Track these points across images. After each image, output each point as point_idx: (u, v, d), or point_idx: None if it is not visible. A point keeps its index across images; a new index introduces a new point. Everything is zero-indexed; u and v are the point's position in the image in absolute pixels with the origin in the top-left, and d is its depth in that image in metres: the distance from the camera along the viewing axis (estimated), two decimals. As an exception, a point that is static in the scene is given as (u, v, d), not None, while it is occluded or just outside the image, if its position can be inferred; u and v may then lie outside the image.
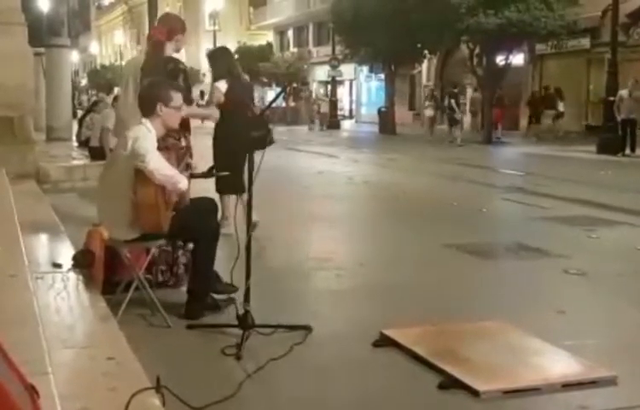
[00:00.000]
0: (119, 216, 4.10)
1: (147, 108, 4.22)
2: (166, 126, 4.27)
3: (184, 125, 4.77)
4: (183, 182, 4.11)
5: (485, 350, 3.78)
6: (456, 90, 25.06)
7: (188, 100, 4.89)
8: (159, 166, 3.97)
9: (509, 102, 26.27)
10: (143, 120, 4.19)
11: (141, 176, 3.97)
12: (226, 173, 4.93)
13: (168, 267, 4.80)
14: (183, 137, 4.68)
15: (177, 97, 4.30)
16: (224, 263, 4.45)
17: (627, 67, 20.13)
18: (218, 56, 6.98)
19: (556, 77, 27.28)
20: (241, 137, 5.59)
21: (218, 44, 43.95)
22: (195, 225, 4.32)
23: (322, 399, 3.28)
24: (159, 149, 4.12)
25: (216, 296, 4.46)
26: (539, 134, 24.53)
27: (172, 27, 5.25)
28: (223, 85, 6.46)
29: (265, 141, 4.77)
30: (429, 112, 27.47)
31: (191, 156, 4.76)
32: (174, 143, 4.59)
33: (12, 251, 4.29)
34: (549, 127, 24.74)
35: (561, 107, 25.25)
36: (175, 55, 5.21)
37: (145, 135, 4.07)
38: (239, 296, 3.97)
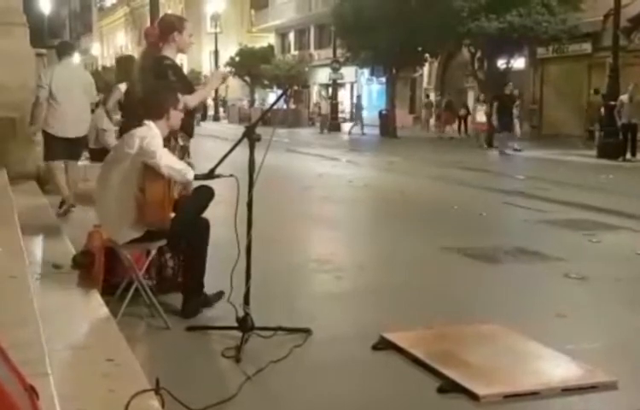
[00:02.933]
0: (123, 216, 4.11)
1: (157, 111, 4.26)
2: (171, 127, 4.35)
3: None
4: (189, 173, 4.22)
5: (485, 354, 3.77)
6: (508, 93, 21.43)
7: (189, 90, 4.86)
8: (169, 161, 4.10)
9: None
10: (147, 122, 4.21)
11: (150, 172, 4.02)
12: (230, 175, 4.88)
13: (157, 272, 4.76)
14: (174, 139, 4.65)
15: (181, 98, 4.40)
16: (223, 264, 4.44)
17: (628, 71, 20.16)
18: (122, 63, 7.46)
19: (557, 81, 27.33)
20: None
21: (220, 46, 44.10)
22: (190, 219, 4.35)
23: (322, 402, 3.27)
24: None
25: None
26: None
27: (166, 27, 4.95)
28: (123, 87, 6.98)
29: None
30: (481, 117, 23.66)
31: (189, 156, 4.77)
32: (173, 145, 4.60)
33: (12, 252, 4.28)
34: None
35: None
36: (178, 56, 5.06)
37: (152, 135, 4.14)
38: (239, 298, 3.96)
